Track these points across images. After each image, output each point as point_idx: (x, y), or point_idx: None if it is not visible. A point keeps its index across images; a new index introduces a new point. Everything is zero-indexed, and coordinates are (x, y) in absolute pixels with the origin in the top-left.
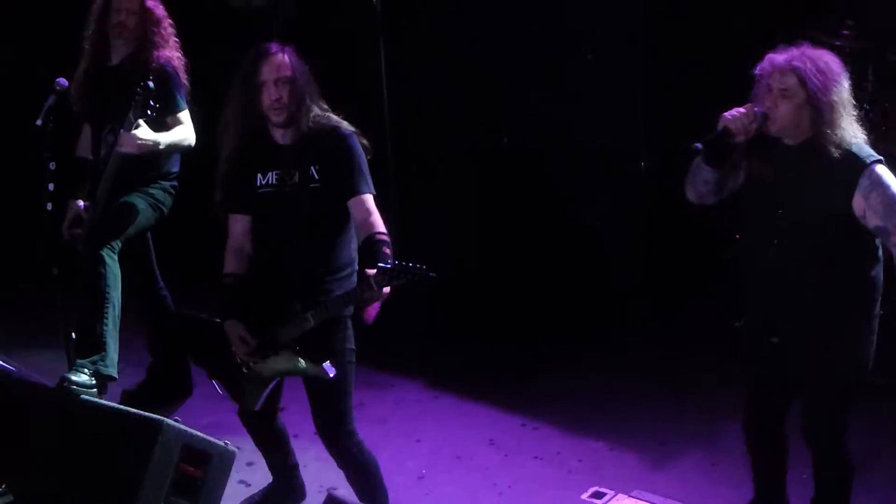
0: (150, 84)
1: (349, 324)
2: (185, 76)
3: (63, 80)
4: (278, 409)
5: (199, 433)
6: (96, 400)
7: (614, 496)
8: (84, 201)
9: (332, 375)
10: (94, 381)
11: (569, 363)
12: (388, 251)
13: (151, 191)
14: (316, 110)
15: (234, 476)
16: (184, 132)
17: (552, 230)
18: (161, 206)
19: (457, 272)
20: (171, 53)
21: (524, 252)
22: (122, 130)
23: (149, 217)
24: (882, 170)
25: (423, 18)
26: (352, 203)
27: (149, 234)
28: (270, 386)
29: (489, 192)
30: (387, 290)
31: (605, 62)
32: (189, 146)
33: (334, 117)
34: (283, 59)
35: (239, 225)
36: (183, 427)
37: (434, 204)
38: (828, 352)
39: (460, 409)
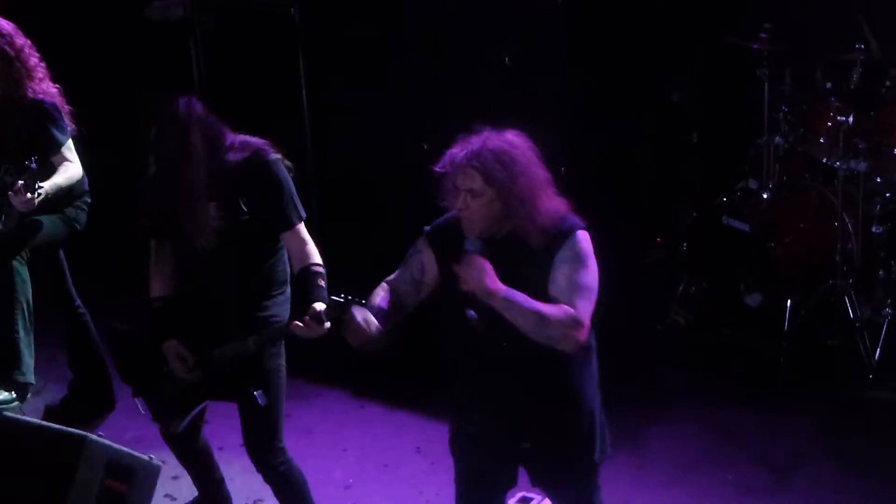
0: (33, 165)
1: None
2: (64, 103)
3: None
4: (201, 426)
5: (123, 448)
6: (18, 417)
7: (541, 501)
8: None
9: (262, 403)
10: (13, 396)
11: None
12: (323, 283)
13: (63, 209)
14: (230, 141)
15: (160, 490)
16: (70, 171)
17: None
18: (74, 222)
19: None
20: (44, 85)
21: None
22: (10, 194)
23: (59, 229)
24: (584, 241)
25: (341, 28)
26: (286, 235)
27: (62, 252)
28: (198, 409)
29: (413, 200)
30: (328, 324)
31: (523, 66)
32: (77, 180)
33: (255, 142)
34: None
35: (162, 248)
36: (107, 442)
37: (359, 213)
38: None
39: (386, 418)
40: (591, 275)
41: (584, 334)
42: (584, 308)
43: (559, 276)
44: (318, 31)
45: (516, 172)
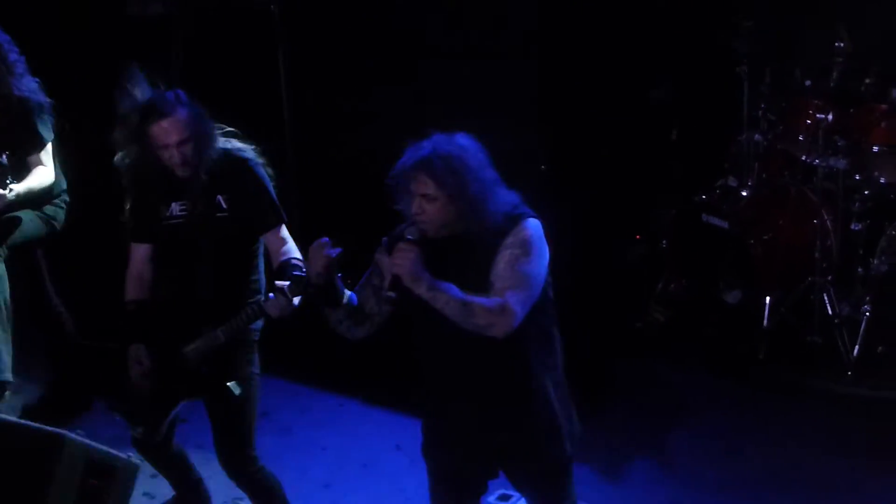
0: (5, 161)
1: (255, 347)
2: (46, 98)
3: None
4: (173, 431)
5: (102, 446)
6: None
7: (520, 499)
8: None
9: (237, 393)
10: None
11: None
12: (298, 273)
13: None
14: (217, 143)
15: (139, 488)
16: (43, 175)
17: None
18: (52, 220)
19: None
20: (24, 80)
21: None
22: None
23: (37, 227)
24: (532, 228)
25: (322, 26)
26: (267, 236)
27: (39, 251)
28: (174, 412)
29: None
30: (296, 300)
31: (502, 63)
32: (49, 188)
33: (237, 144)
34: (177, 118)
35: (140, 252)
36: (86, 440)
37: (338, 212)
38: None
39: (366, 416)
40: (534, 263)
41: (512, 321)
42: (516, 296)
43: (499, 261)
44: (298, 28)
45: (467, 178)
